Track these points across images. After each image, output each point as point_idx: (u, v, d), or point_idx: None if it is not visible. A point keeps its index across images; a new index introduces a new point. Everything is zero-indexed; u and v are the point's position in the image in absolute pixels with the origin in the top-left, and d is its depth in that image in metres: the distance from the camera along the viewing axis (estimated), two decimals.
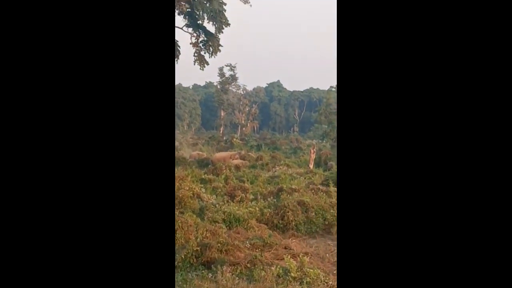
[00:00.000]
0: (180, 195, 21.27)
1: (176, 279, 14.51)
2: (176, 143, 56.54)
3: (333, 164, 41.49)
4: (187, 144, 58.39)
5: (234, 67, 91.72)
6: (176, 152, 45.83)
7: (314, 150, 41.74)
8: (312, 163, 39.92)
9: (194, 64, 35.20)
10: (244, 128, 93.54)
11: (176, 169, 30.40)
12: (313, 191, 25.39)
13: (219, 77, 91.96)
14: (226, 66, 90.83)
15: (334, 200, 23.28)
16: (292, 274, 15.21)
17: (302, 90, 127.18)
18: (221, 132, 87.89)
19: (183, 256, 15.40)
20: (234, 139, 65.36)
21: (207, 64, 35.90)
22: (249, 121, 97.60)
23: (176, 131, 74.39)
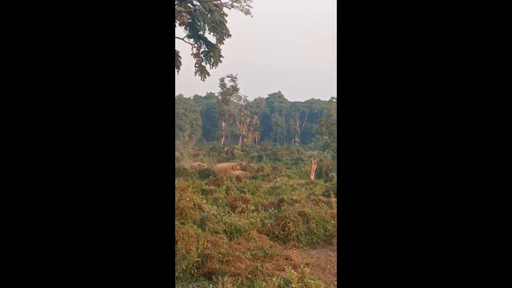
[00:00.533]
0: (181, 206, 21.25)
1: None
2: (177, 154, 56.57)
3: (334, 175, 41.46)
4: (188, 155, 58.40)
5: (235, 78, 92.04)
6: (177, 163, 45.84)
7: (315, 161, 41.72)
8: (313, 174, 39.90)
9: (195, 75, 35.34)
10: (245, 139, 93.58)
11: (177, 180, 30.40)
12: (314, 202, 25.35)
13: (220, 88, 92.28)
14: (227, 77, 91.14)
15: (335, 211, 23.23)
16: (293, 285, 15.16)
17: (303, 101, 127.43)
18: (222, 143, 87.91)
19: (184, 267, 15.37)
20: (235, 150, 65.37)
21: (208, 75, 36.03)
22: (250, 132, 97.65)
23: (177, 142, 74.39)
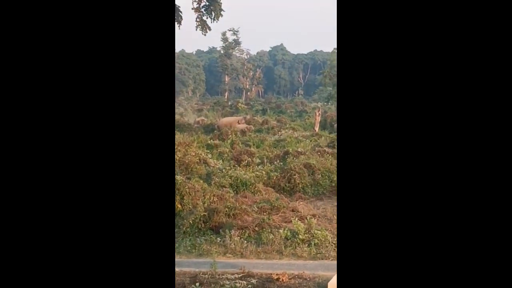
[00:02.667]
0: (187, 161, 21.33)
1: (184, 245, 14.65)
2: (181, 110, 56.54)
3: None
4: (192, 110, 58.36)
5: (237, 31, 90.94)
6: (181, 118, 45.81)
7: (320, 112, 41.66)
8: (318, 125, 39.85)
9: (196, 30, 34.87)
10: (248, 93, 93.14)
11: (181, 136, 30.44)
12: (319, 153, 25.36)
13: (222, 42, 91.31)
14: (229, 30, 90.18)
15: None
16: (300, 236, 15.29)
17: (306, 53, 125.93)
18: (225, 97, 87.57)
19: (191, 222, 15.48)
20: (239, 104, 65.21)
21: (209, 29, 35.49)
22: (254, 85, 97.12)
23: (181, 97, 74.05)
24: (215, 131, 36.46)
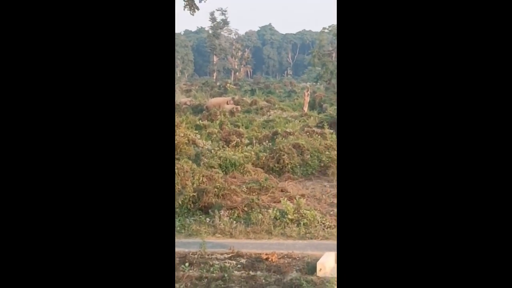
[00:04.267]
0: (176, 142, 21.27)
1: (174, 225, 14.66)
2: None
3: (327, 106, 41.45)
4: (180, 91, 58.09)
5: (225, 11, 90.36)
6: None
7: (308, 92, 41.61)
8: (307, 105, 39.83)
9: (184, 10, 34.59)
10: (237, 73, 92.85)
11: None
12: (308, 133, 25.41)
13: (210, 22, 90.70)
14: (217, 10, 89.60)
15: (329, 142, 23.31)
16: (289, 216, 15.33)
17: (294, 32, 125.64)
18: (214, 77, 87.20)
19: (180, 202, 15.49)
20: (228, 85, 65.02)
21: (197, 9, 35.15)
22: (242, 65, 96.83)
23: None
24: (203, 112, 36.38)
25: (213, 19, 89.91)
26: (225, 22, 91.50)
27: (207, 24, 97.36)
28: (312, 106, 41.54)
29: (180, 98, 49.53)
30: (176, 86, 64.45)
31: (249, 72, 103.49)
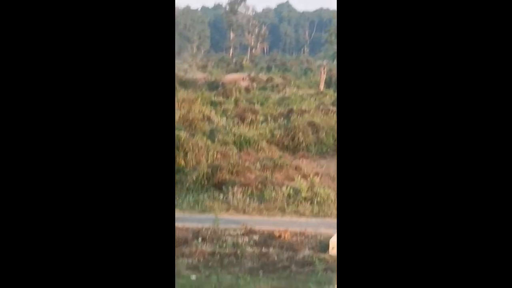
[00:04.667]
0: (191, 118, 21.26)
1: (188, 201, 14.72)
2: (186, 66, 56.16)
3: None
4: (196, 67, 57.95)
5: None
6: (185, 75, 45.55)
7: (325, 70, 41.39)
8: (323, 83, 39.63)
9: None
10: (253, 50, 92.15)
11: (185, 92, 30.27)
12: (323, 111, 25.26)
13: None
14: None
15: None
16: (303, 194, 15.35)
17: (312, 10, 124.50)
18: (230, 54, 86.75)
19: (194, 178, 15.52)
20: (244, 61, 64.71)
21: None
22: (259, 42, 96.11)
23: (186, 54, 73.30)
24: (219, 88, 36.28)
25: None
26: None
27: (224, 1, 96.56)
28: (328, 84, 41.28)
29: (196, 74, 49.43)
30: (192, 61, 64.32)
31: (265, 49, 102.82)
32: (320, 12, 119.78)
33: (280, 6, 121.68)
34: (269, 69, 59.36)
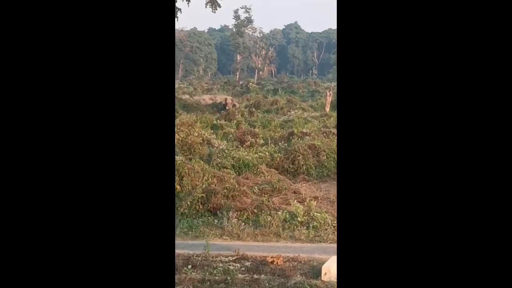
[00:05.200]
0: (189, 142, 21.19)
1: (181, 226, 14.54)
2: (191, 89, 56.38)
3: None
4: (202, 89, 58.12)
5: (249, 9, 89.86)
6: (191, 98, 45.70)
7: (331, 92, 41.27)
8: (328, 105, 39.52)
9: (206, 7, 34.54)
10: (261, 72, 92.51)
11: (188, 116, 30.31)
12: (324, 134, 25.14)
13: (234, 20, 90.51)
14: (241, 8, 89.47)
15: None
16: (299, 219, 15.13)
17: (320, 31, 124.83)
18: (237, 76, 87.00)
19: (189, 203, 15.36)
20: (250, 83, 64.83)
21: (219, 6, 35.08)
22: (266, 64, 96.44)
23: (192, 77, 73.79)
24: (222, 111, 36.31)
25: (237, 17, 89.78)
26: (249, 20, 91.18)
27: (231, 22, 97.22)
28: (334, 106, 41.18)
29: (201, 97, 49.58)
30: (198, 84, 64.61)
31: (273, 71, 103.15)
32: (328, 32, 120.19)
33: (288, 26, 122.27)
34: (275, 91, 59.42)
